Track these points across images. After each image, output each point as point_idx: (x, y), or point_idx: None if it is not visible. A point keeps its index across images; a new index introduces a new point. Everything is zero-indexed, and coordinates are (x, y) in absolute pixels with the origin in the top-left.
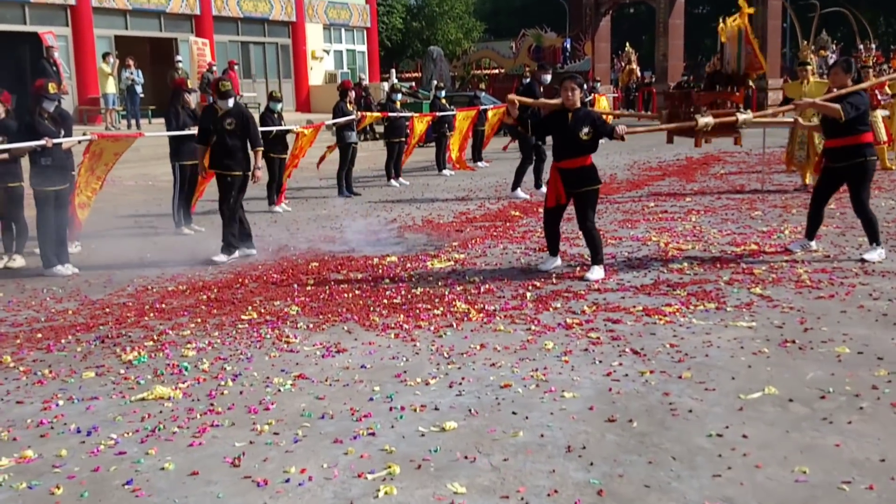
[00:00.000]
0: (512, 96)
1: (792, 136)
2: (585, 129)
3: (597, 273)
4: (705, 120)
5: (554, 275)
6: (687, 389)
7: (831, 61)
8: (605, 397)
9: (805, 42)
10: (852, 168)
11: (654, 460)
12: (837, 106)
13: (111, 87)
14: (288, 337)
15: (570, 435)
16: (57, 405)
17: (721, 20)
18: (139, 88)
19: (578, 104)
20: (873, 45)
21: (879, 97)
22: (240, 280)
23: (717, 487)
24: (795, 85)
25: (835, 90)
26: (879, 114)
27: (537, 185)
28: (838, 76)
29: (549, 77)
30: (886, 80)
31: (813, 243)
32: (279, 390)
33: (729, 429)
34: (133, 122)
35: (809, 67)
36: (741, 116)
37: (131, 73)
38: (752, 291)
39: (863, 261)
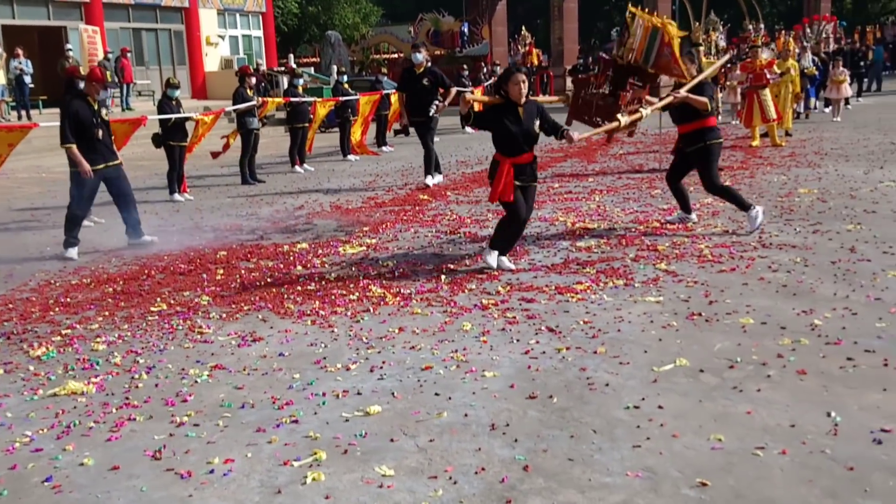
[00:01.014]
0: (469, 97)
1: None
2: (537, 122)
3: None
4: (626, 119)
5: (466, 257)
6: (602, 364)
7: (721, 42)
8: (524, 375)
9: (696, 24)
10: (696, 152)
11: (575, 434)
12: (705, 99)
13: (0, 78)
14: (201, 327)
15: (493, 413)
16: None
17: (636, 8)
18: (28, 79)
19: (524, 97)
20: (761, 26)
21: (769, 76)
22: (146, 272)
23: (638, 458)
24: None
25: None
26: (769, 92)
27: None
28: (685, 66)
29: (419, 56)
30: (720, 66)
31: (693, 216)
32: (196, 381)
33: (645, 400)
34: (23, 112)
35: (701, 48)
36: (644, 112)
37: (20, 63)
38: (658, 267)
39: (751, 232)
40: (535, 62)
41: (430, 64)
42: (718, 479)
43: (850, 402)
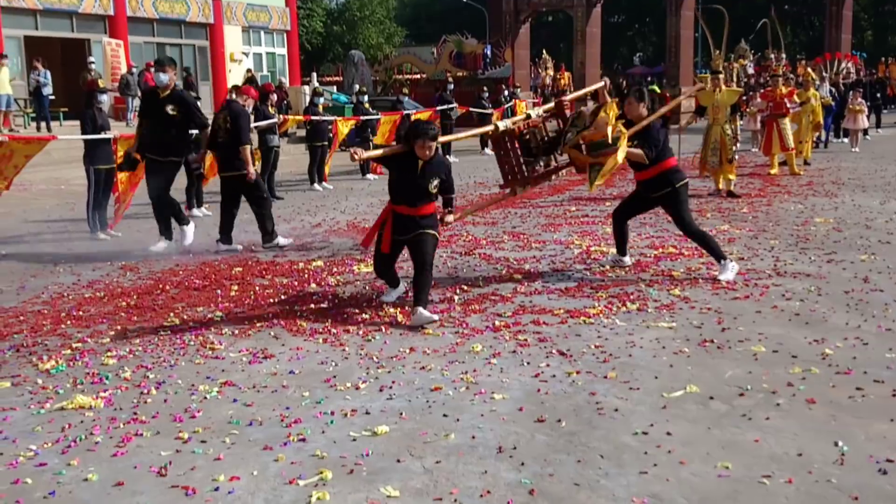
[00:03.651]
0: (361, 154)
1: (705, 143)
2: (435, 182)
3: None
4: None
5: (480, 278)
6: (612, 389)
7: (750, 69)
8: (533, 398)
9: (717, 52)
10: (664, 197)
11: (582, 459)
12: (641, 152)
13: (5, 87)
14: (212, 343)
15: (501, 436)
16: None
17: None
18: (47, 90)
19: (432, 155)
20: (783, 55)
21: (788, 105)
22: (160, 286)
23: (644, 484)
24: (708, 93)
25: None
26: (788, 122)
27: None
28: (632, 106)
29: (163, 77)
30: (670, 108)
31: (626, 258)
32: (205, 398)
33: (653, 427)
34: (42, 124)
35: (721, 76)
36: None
37: (38, 75)
38: (672, 293)
39: (716, 279)
40: (562, 86)
41: (179, 89)
42: None
43: (857, 432)
